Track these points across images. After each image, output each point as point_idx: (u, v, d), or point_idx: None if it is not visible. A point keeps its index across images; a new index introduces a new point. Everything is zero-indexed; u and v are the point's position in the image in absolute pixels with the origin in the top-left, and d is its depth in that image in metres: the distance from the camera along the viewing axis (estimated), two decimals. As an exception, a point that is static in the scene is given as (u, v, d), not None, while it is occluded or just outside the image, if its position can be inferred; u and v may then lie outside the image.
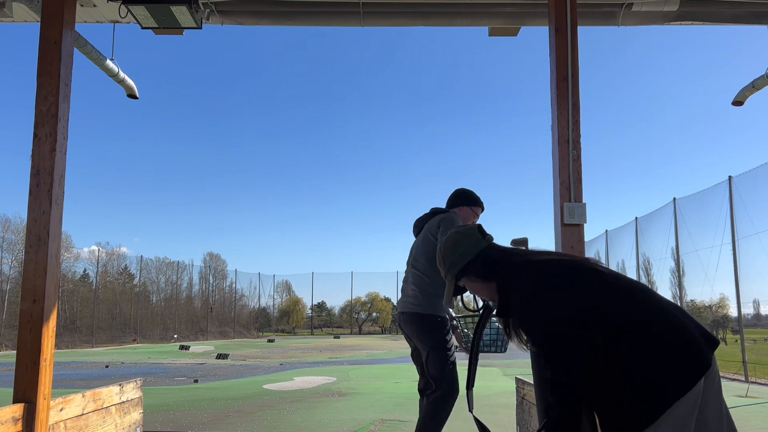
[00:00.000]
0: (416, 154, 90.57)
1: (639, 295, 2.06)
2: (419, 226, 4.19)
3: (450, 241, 2.36)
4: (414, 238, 4.24)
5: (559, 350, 1.97)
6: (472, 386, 2.65)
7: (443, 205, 4.26)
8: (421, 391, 3.95)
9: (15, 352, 3.60)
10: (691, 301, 26.20)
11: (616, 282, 2.09)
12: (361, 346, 37.26)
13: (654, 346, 1.92)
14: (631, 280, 2.15)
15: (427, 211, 4.26)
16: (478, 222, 4.20)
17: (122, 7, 4.05)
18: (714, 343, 2.01)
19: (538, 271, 2.11)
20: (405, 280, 4.08)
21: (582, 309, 1.99)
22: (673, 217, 20.19)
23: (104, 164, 77.85)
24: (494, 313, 2.41)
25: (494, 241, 2.37)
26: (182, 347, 33.91)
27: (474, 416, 2.60)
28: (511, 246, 2.46)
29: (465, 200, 4.23)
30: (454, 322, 4.11)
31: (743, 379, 14.13)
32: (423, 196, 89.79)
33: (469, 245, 2.30)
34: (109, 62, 5.27)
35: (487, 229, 2.40)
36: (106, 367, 21.01)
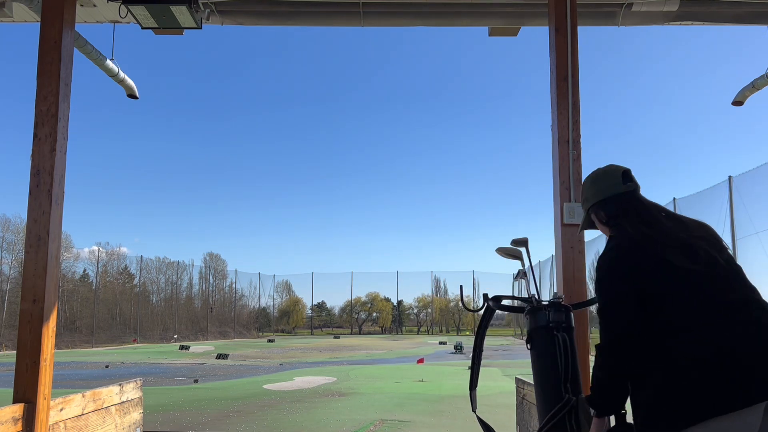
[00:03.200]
0: (416, 154, 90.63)
1: (704, 291, 1.97)
2: None
3: (592, 176, 2.42)
4: None
5: (613, 310, 2.04)
6: (476, 386, 2.65)
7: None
8: None
9: (15, 352, 3.60)
10: (691, 301, 26.15)
11: (692, 274, 2.00)
12: (361, 346, 37.26)
13: (685, 362, 1.88)
14: (712, 273, 2.02)
15: None
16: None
17: (122, 7, 4.05)
18: None
19: (615, 246, 2.14)
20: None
21: (635, 291, 2.01)
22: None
23: (104, 164, 78.01)
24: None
25: (638, 191, 2.33)
26: (182, 347, 33.91)
27: (477, 416, 2.60)
28: (638, 199, 2.33)
29: None
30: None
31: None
32: (423, 196, 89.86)
33: (604, 187, 2.33)
34: (109, 62, 5.26)
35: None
36: (106, 367, 21.00)
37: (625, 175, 2.33)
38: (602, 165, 2.44)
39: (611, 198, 2.30)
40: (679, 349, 1.91)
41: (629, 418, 2.07)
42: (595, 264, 2.19)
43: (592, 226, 2.46)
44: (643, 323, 1.99)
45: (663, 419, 1.89)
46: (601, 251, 2.16)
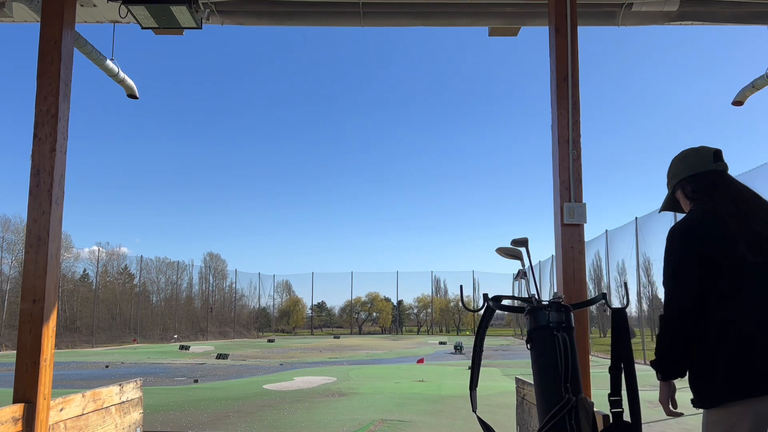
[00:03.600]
0: (416, 154, 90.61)
1: (755, 281, 2.05)
2: None
3: (682, 154, 2.46)
4: None
5: (678, 277, 2.12)
6: (476, 386, 2.65)
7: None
8: None
9: (15, 352, 3.60)
10: (691, 300, 26.18)
11: (745, 264, 2.06)
12: (361, 346, 37.27)
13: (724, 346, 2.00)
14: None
15: None
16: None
17: (122, 7, 4.05)
18: None
19: (691, 216, 2.22)
20: None
21: (700, 258, 2.08)
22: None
23: (104, 164, 77.99)
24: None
25: (726, 171, 2.37)
26: (182, 347, 33.92)
27: (477, 416, 2.60)
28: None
29: None
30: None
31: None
32: (423, 196, 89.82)
33: (693, 164, 2.37)
34: (109, 62, 5.26)
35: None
36: (106, 367, 21.00)
37: (716, 155, 2.37)
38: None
39: (701, 174, 2.34)
40: (730, 330, 2.02)
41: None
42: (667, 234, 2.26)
43: (675, 207, 2.50)
44: (704, 296, 2.07)
45: (709, 390, 2.03)
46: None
